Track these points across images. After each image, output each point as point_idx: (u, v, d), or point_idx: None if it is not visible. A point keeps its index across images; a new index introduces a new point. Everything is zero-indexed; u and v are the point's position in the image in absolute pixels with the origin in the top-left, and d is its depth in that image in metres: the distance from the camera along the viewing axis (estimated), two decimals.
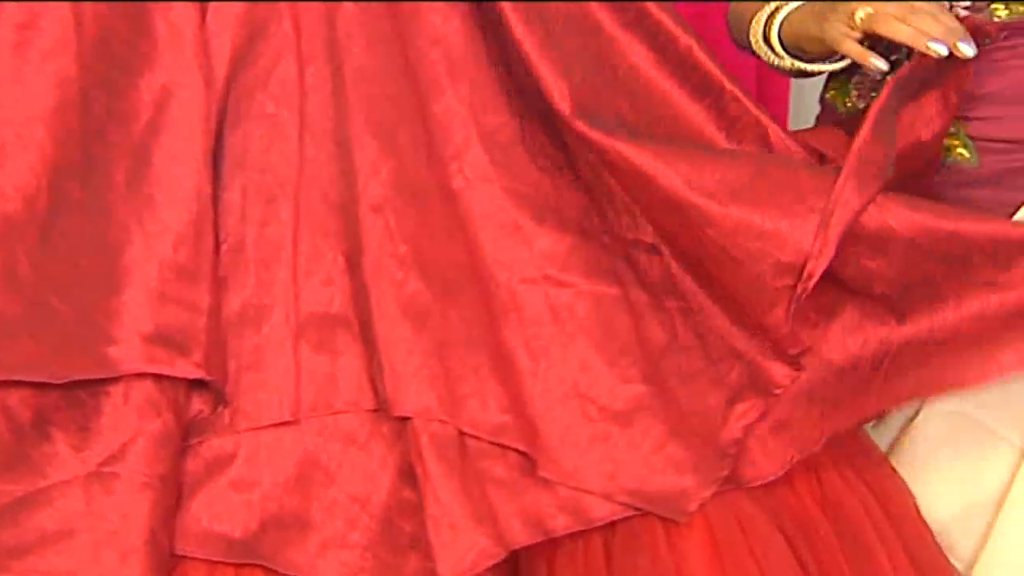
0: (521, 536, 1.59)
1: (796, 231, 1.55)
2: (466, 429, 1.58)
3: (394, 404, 1.57)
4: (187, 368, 1.55)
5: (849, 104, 1.81)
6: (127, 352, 1.54)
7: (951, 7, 1.69)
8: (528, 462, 1.60)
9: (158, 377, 1.55)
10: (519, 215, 1.63)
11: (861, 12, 1.60)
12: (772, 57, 1.73)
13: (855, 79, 1.79)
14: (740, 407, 1.62)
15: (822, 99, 1.88)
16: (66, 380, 1.53)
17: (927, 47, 1.57)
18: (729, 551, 1.59)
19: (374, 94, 1.61)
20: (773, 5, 1.72)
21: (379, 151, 1.61)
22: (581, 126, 1.57)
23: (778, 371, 1.61)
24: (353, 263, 1.61)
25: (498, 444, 1.60)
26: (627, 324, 1.64)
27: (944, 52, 1.57)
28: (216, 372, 1.57)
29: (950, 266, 1.57)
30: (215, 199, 1.59)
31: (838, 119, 1.82)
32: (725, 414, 1.62)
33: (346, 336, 1.61)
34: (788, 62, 1.72)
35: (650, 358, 1.63)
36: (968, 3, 1.70)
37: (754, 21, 1.73)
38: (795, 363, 1.61)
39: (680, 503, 1.60)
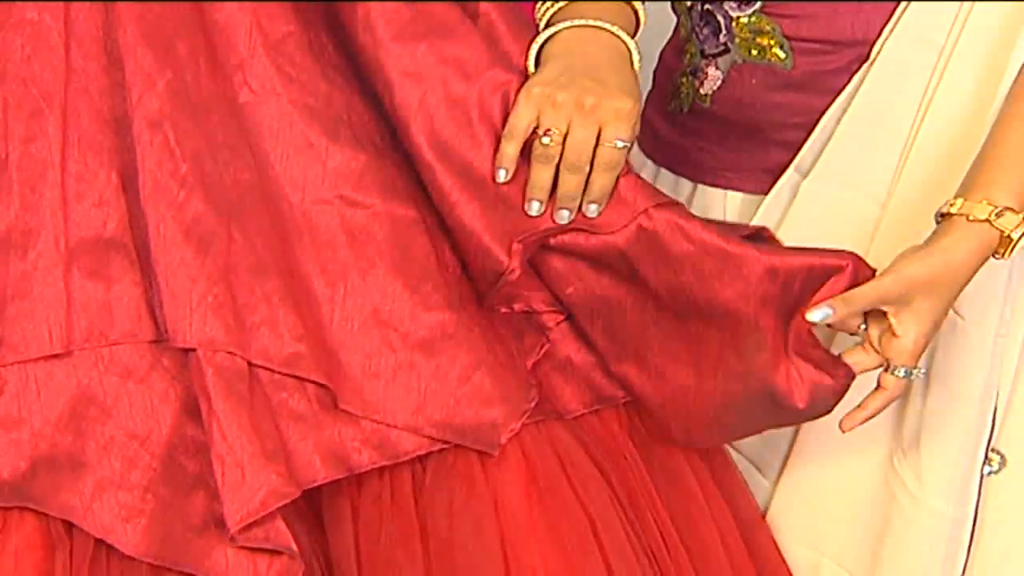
0: (321, 473, 1.50)
1: None
2: (256, 361, 1.49)
3: (175, 335, 1.47)
4: None
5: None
6: None
7: None
8: (329, 395, 1.51)
9: None
10: (310, 131, 1.54)
11: (548, 139, 1.50)
12: None
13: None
14: (527, 340, 1.58)
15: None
16: None
17: (528, 202, 1.53)
18: (546, 480, 1.53)
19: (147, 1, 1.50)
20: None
21: (154, 62, 1.51)
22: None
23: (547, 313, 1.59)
24: (128, 182, 1.50)
25: (293, 376, 1.50)
26: (426, 247, 1.56)
27: (534, 213, 1.53)
28: None
29: None
30: None
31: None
32: (517, 346, 1.57)
33: (122, 262, 1.50)
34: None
35: (450, 284, 1.56)
36: None
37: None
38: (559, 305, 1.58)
39: (490, 435, 1.53)
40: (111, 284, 1.49)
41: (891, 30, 1.64)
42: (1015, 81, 1.57)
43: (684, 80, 1.82)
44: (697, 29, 1.78)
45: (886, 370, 1.53)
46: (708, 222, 1.54)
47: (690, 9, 1.78)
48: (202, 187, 1.50)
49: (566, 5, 1.61)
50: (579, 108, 1.49)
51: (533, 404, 1.55)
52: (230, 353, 1.47)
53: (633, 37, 1.60)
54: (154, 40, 1.51)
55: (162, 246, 1.47)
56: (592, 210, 1.52)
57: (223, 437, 1.44)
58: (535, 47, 1.56)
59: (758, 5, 1.70)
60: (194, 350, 1.47)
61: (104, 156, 1.51)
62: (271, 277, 1.51)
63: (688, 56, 1.81)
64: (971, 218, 1.51)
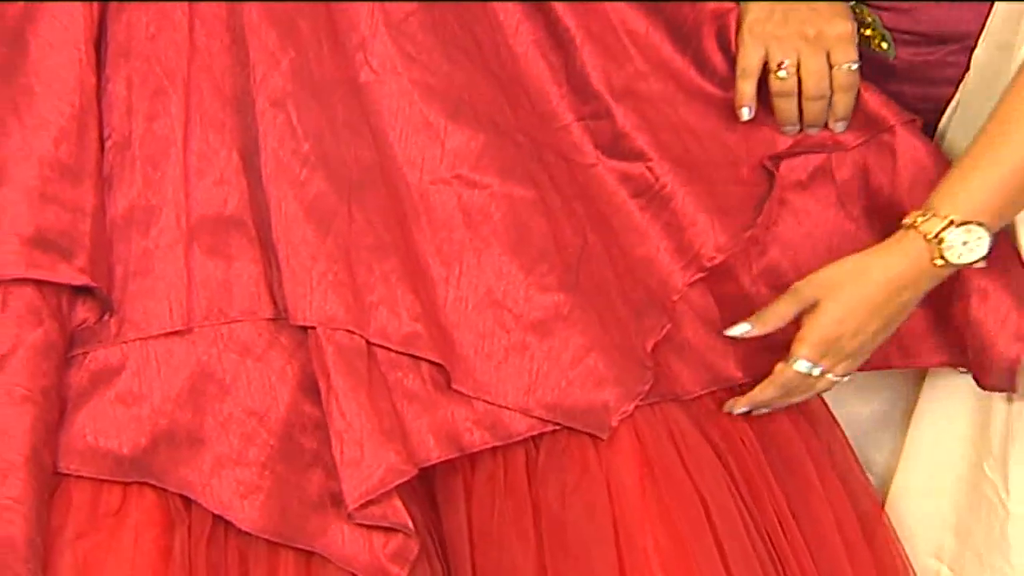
0: (435, 452, 1.49)
1: None
2: (375, 340, 1.49)
3: (295, 312, 1.47)
4: (70, 274, 1.45)
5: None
6: (4, 256, 1.44)
7: None
8: (443, 375, 1.51)
9: (39, 283, 1.45)
10: (429, 110, 1.54)
11: (784, 72, 1.60)
12: None
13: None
14: (647, 322, 1.56)
15: None
16: None
17: (783, 127, 1.63)
18: (660, 462, 1.52)
19: None
20: None
21: (278, 41, 1.51)
22: None
23: (676, 276, 1.58)
24: (249, 161, 1.51)
25: (410, 355, 1.50)
26: (543, 228, 1.55)
27: (789, 131, 1.63)
28: (101, 278, 1.47)
29: None
30: (99, 91, 1.50)
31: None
32: (636, 327, 1.56)
33: (241, 240, 1.51)
34: None
35: (567, 265, 1.55)
36: None
37: None
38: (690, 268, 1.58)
39: (601, 418, 1.52)
40: (231, 262, 1.50)
41: (985, 32, 1.63)
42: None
43: None
44: None
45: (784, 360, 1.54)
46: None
47: None
48: (323, 166, 1.50)
49: None
50: (804, 38, 1.58)
51: (647, 386, 1.54)
52: (349, 331, 1.47)
53: None
54: (278, 19, 1.52)
55: (283, 224, 1.48)
56: (840, 127, 1.61)
57: (342, 415, 1.44)
58: None
59: None
60: (313, 328, 1.47)
61: (226, 134, 1.52)
62: (389, 256, 1.51)
63: None
64: (902, 225, 1.51)
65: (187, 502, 1.47)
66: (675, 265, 1.59)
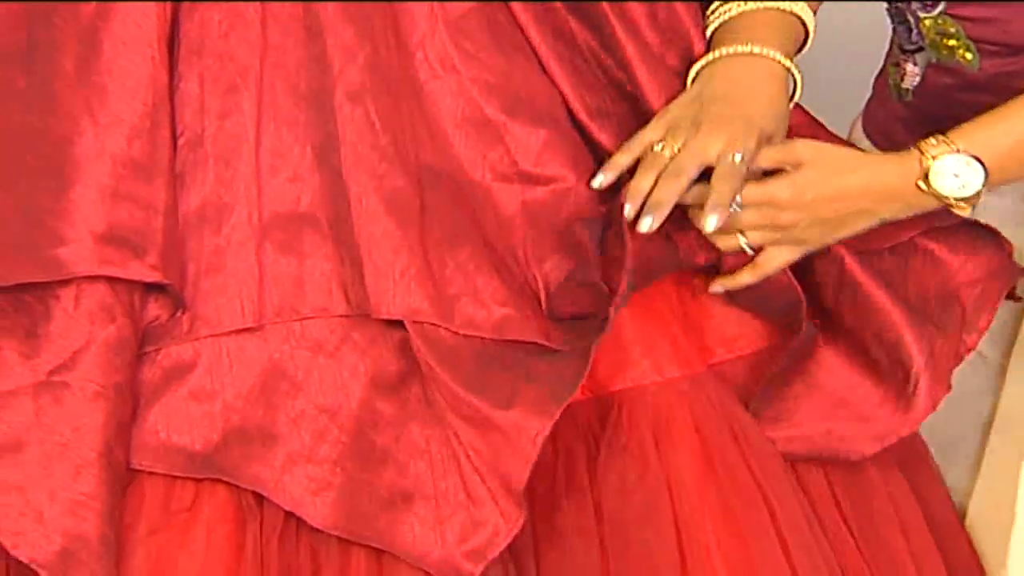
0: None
1: None
2: (463, 331, 1.48)
3: (379, 306, 1.47)
4: (142, 271, 1.45)
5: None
6: (78, 253, 1.44)
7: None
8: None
9: (111, 280, 1.45)
10: (488, 107, 1.54)
11: (660, 145, 1.51)
12: None
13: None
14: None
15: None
16: (12, 283, 1.44)
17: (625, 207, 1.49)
18: (721, 460, 1.51)
19: None
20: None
21: (355, 36, 1.52)
22: None
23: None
24: (323, 157, 1.51)
25: (505, 340, 1.49)
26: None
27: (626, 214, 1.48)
28: (174, 275, 1.47)
29: None
30: (171, 89, 1.50)
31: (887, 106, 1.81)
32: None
33: (314, 237, 1.51)
34: None
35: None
36: None
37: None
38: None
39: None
40: (303, 259, 1.50)
41: None
42: None
43: (892, 69, 1.81)
44: (894, 25, 1.77)
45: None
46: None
47: (888, 6, 1.77)
48: (399, 160, 1.50)
49: (729, 21, 1.61)
50: (696, 126, 1.49)
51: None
52: (434, 325, 1.47)
53: (803, 45, 1.61)
54: (354, 15, 1.52)
55: (364, 218, 1.48)
56: (709, 222, 1.46)
57: (468, 402, 1.44)
58: (691, 73, 1.58)
59: (942, 7, 1.68)
60: (393, 323, 1.48)
61: (299, 130, 1.52)
62: (463, 247, 1.51)
63: (893, 46, 1.81)
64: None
65: (259, 498, 1.46)
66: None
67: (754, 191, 1.49)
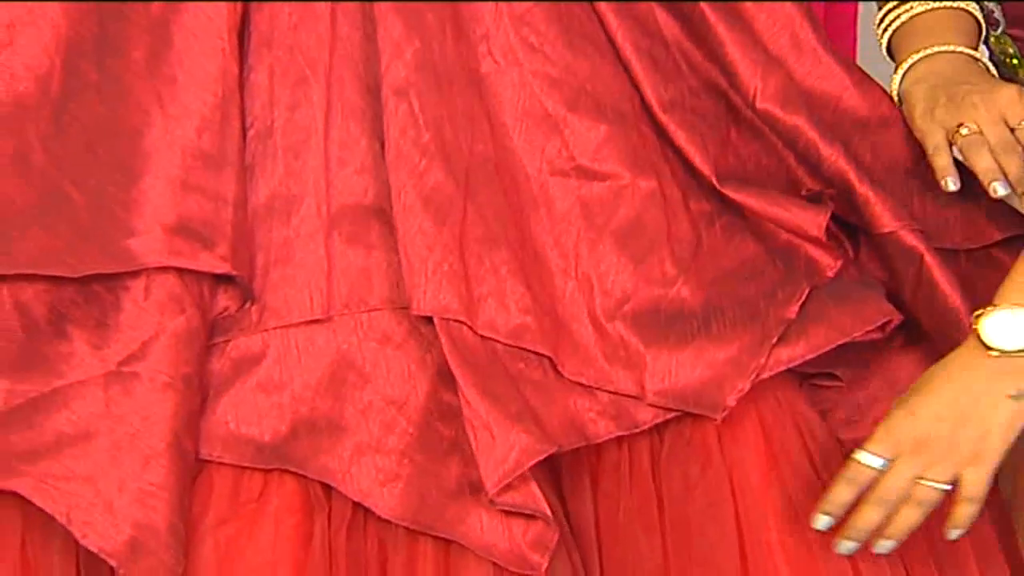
0: (562, 440, 1.48)
1: None
2: (483, 332, 1.49)
3: (411, 302, 1.47)
4: (212, 262, 1.46)
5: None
6: (148, 244, 1.45)
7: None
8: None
9: (181, 271, 1.46)
10: (549, 101, 1.54)
11: (966, 129, 1.53)
12: None
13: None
14: (782, 294, 1.52)
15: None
16: (83, 274, 1.45)
17: (991, 186, 1.51)
18: (785, 456, 1.50)
19: None
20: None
21: (404, 30, 1.52)
22: None
23: (824, 260, 1.56)
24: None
25: (519, 348, 1.49)
26: (659, 221, 1.55)
27: (1002, 194, 1.51)
28: (243, 266, 1.48)
29: None
30: (241, 81, 1.51)
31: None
32: (766, 305, 1.52)
33: (381, 228, 1.51)
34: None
35: (677, 257, 1.54)
36: None
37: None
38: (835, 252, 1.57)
39: (715, 398, 1.48)
40: (370, 250, 1.51)
41: None
42: None
43: None
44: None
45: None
46: None
47: None
48: (442, 156, 1.50)
49: (908, 22, 1.63)
50: (975, 108, 1.54)
51: (762, 362, 1.49)
52: (460, 322, 1.47)
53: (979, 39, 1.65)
54: (404, 8, 1.53)
55: (402, 213, 1.48)
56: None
57: (467, 403, 1.44)
58: (896, 78, 1.62)
59: (1002, 27, 1.68)
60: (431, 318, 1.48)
61: (366, 123, 1.53)
62: (501, 248, 1.51)
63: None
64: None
65: (327, 489, 1.47)
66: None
67: (881, 434, 1.45)
